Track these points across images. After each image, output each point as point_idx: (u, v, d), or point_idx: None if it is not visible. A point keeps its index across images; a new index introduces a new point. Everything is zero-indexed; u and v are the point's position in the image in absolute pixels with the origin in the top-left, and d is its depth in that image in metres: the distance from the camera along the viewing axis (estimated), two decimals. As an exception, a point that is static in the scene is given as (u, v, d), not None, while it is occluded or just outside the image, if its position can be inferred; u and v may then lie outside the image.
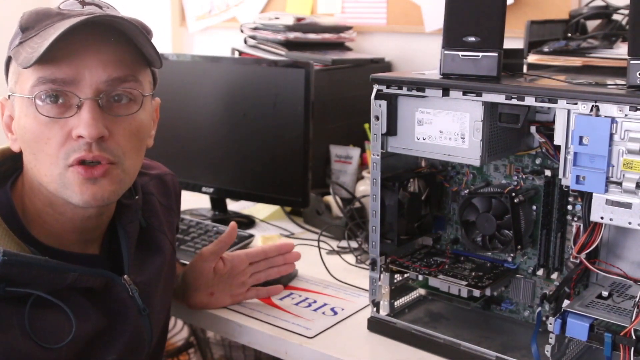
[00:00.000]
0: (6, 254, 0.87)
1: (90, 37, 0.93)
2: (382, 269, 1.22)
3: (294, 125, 1.66)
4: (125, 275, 1.04)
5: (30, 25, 0.94)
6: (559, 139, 0.98)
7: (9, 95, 0.99)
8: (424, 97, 1.09)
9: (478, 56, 1.03)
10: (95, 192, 0.94)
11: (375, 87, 1.14)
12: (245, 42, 2.07)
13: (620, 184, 0.92)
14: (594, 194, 0.95)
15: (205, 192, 1.84)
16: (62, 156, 0.93)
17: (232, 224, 1.31)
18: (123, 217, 1.07)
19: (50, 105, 0.92)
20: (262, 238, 1.69)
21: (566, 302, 1.01)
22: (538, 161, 1.16)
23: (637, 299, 0.93)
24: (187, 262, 1.47)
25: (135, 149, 0.99)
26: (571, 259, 1.10)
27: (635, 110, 0.89)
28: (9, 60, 0.98)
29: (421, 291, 1.32)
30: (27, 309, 0.90)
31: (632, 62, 0.93)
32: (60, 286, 0.93)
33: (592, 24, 1.60)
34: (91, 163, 0.93)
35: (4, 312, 0.88)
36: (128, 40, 0.96)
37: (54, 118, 0.93)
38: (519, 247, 1.13)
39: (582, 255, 1.03)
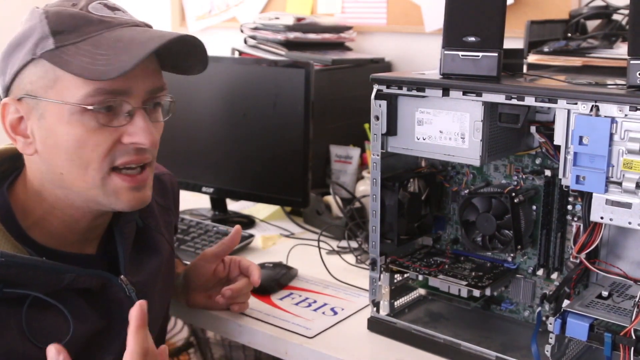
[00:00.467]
0: (3, 255, 0.87)
1: None
2: (382, 269, 1.22)
3: (294, 125, 1.66)
4: (122, 276, 1.04)
5: (66, 29, 0.93)
6: (559, 139, 0.98)
7: (19, 98, 0.95)
8: (424, 97, 1.09)
9: (478, 56, 1.03)
10: (140, 197, 1.00)
11: (375, 87, 1.14)
12: (245, 42, 2.07)
13: (620, 184, 0.92)
14: (594, 194, 0.95)
15: (205, 192, 1.84)
16: (108, 160, 0.95)
17: (237, 227, 1.30)
18: (120, 217, 1.07)
19: (102, 113, 0.93)
20: (262, 238, 1.69)
21: (566, 302, 1.01)
22: (538, 161, 1.16)
23: (637, 299, 0.93)
24: (189, 262, 1.48)
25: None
26: (571, 259, 1.10)
27: (635, 110, 0.89)
28: (29, 62, 0.94)
29: (421, 291, 1.32)
30: (24, 310, 0.90)
31: (632, 62, 0.93)
32: (57, 287, 0.93)
33: (592, 24, 1.60)
34: (135, 168, 0.98)
35: (1, 314, 0.88)
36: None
37: (107, 126, 0.94)
38: (519, 247, 1.13)
39: (582, 255, 1.03)
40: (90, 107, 0.92)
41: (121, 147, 0.96)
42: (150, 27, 1.01)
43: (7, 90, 0.98)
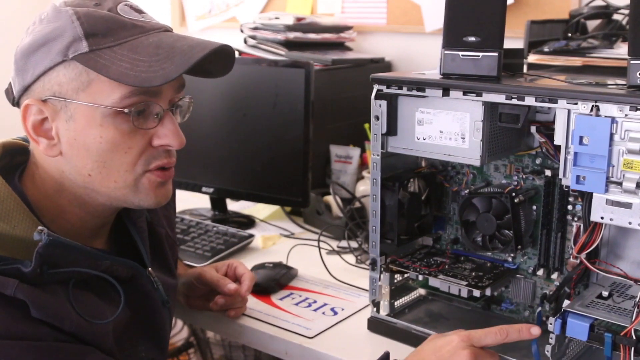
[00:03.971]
0: (50, 234, 0.87)
1: None
2: (382, 269, 1.22)
3: (294, 125, 1.66)
4: (150, 268, 1.06)
5: (100, 32, 0.92)
6: (559, 139, 0.98)
7: (44, 99, 0.93)
8: (424, 97, 1.09)
9: (478, 56, 1.03)
10: (164, 193, 1.02)
11: (375, 87, 1.14)
12: (245, 42, 2.07)
13: (620, 184, 0.92)
14: (594, 194, 0.95)
15: (205, 192, 1.84)
16: (141, 163, 0.96)
17: (235, 289, 1.27)
18: (131, 213, 1.08)
19: (135, 116, 0.94)
20: (262, 238, 1.69)
21: (566, 302, 1.01)
22: (538, 161, 1.16)
23: (637, 299, 0.93)
24: (188, 262, 1.48)
25: None
26: (571, 259, 1.10)
27: (636, 110, 0.89)
28: (59, 63, 0.92)
29: (421, 291, 1.32)
30: (70, 289, 0.90)
31: (632, 62, 0.93)
32: (94, 271, 0.94)
33: (592, 24, 1.60)
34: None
35: (53, 289, 0.89)
36: None
37: (139, 129, 0.95)
38: (519, 247, 1.13)
39: (582, 255, 1.03)
40: (125, 110, 0.92)
41: (152, 150, 0.97)
42: (171, 30, 1.02)
43: (25, 90, 0.95)
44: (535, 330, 1.00)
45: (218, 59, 1.01)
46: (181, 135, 0.99)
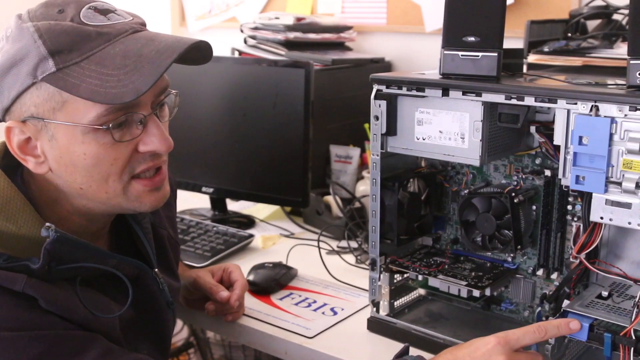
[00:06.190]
0: (57, 231, 0.87)
1: None
2: (382, 269, 1.22)
3: (294, 125, 1.66)
4: (156, 269, 1.06)
5: (64, 48, 0.88)
6: (558, 139, 0.98)
7: (23, 120, 0.92)
8: (423, 97, 1.09)
9: (478, 56, 1.03)
10: (160, 197, 1.01)
11: (375, 87, 1.14)
12: (245, 42, 2.07)
13: (620, 184, 0.92)
14: (593, 194, 0.95)
15: (205, 192, 1.84)
16: (127, 171, 0.95)
17: (227, 297, 1.27)
18: (137, 214, 1.08)
19: (116, 130, 0.92)
20: (262, 238, 1.69)
21: (566, 302, 1.02)
22: (538, 161, 1.16)
23: (636, 299, 0.93)
24: (188, 262, 1.48)
25: None
26: (571, 259, 1.10)
27: (635, 110, 0.89)
28: (30, 86, 0.89)
29: (421, 291, 1.32)
30: (77, 286, 0.91)
31: (632, 62, 0.93)
32: (103, 267, 0.94)
33: (592, 24, 1.60)
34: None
35: (60, 284, 0.89)
36: None
37: (125, 141, 0.93)
38: (519, 247, 1.13)
39: (582, 255, 1.03)
40: (104, 127, 0.90)
41: (138, 156, 0.95)
42: (143, 24, 0.98)
43: (5, 111, 0.93)
44: (575, 325, 0.96)
45: (193, 53, 0.98)
46: (167, 139, 0.97)
